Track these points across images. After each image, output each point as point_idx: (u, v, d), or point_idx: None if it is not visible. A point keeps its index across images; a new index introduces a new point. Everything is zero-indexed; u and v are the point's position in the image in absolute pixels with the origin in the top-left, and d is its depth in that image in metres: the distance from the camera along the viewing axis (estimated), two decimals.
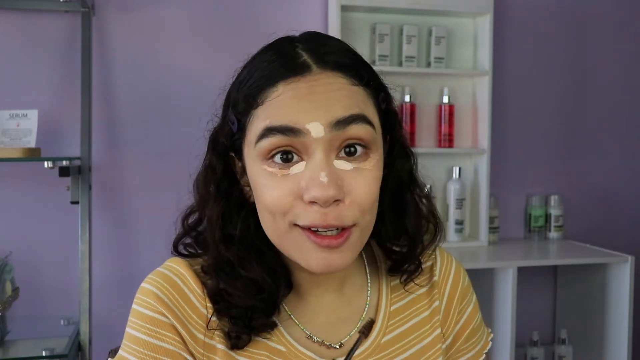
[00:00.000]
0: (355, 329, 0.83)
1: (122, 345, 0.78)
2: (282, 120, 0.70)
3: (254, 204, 0.77)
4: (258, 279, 0.77)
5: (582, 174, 2.79)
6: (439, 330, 0.88)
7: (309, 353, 0.80)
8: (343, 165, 0.71)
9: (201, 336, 0.77)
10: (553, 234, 2.68)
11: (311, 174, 0.70)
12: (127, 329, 0.78)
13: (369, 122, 0.72)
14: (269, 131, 0.70)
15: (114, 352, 0.82)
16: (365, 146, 0.72)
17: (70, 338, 2.05)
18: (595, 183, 2.80)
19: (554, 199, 2.69)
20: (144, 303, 0.77)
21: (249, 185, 0.78)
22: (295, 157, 0.71)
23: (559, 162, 2.77)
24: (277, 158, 0.71)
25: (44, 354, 1.91)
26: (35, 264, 2.24)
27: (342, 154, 0.72)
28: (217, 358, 0.77)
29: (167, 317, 0.76)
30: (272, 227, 0.74)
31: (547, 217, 2.69)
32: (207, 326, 0.77)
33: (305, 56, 0.73)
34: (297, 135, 0.69)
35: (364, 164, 0.72)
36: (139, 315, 0.77)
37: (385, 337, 0.84)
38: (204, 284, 0.79)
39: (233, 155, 0.79)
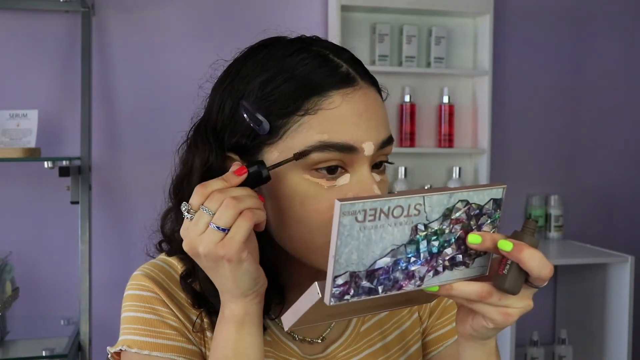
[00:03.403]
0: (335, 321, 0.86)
1: (121, 331, 0.78)
2: (342, 137, 0.70)
3: None
4: None
5: (582, 174, 2.79)
6: (416, 315, 0.91)
7: (292, 345, 0.83)
8: (376, 177, 0.75)
9: (193, 317, 0.79)
10: (553, 234, 2.68)
11: (363, 186, 0.71)
12: (124, 315, 0.79)
13: (393, 139, 0.76)
14: (326, 146, 0.69)
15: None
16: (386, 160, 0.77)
17: (70, 338, 2.05)
18: (595, 183, 2.80)
19: (553, 199, 2.69)
20: (137, 286, 0.79)
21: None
22: (340, 169, 0.71)
23: (559, 162, 2.77)
24: (323, 169, 0.71)
25: (43, 354, 1.91)
26: (35, 264, 2.24)
27: (373, 167, 0.75)
28: (208, 341, 0.79)
29: (160, 297, 0.78)
30: (306, 239, 0.72)
31: (547, 217, 2.69)
32: (193, 326, 0.78)
33: (345, 65, 0.73)
34: (352, 153, 0.70)
35: (384, 175, 0.77)
36: (134, 297, 0.78)
37: (364, 326, 0.87)
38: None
39: (233, 156, 0.74)
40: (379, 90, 0.77)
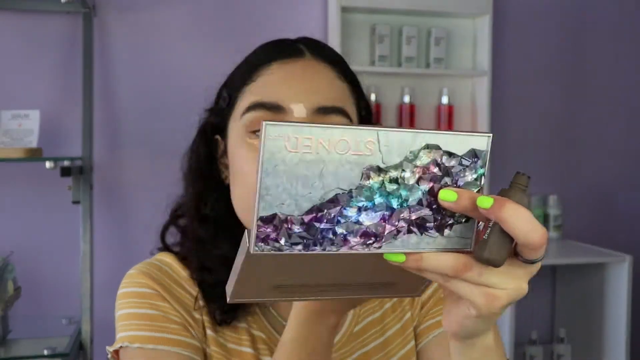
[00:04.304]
0: None
1: (120, 329, 0.78)
2: (270, 97, 0.74)
3: (229, 186, 0.80)
4: (230, 256, 0.78)
5: (581, 173, 2.80)
6: (409, 314, 0.90)
7: None
8: None
9: (194, 313, 0.80)
10: (552, 234, 2.68)
11: None
12: (121, 312, 0.79)
13: (348, 117, 0.76)
14: (255, 105, 0.74)
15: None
16: None
17: (71, 337, 2.05)
18: (593, 183, 2.81)
19: (552, 199, 2.69)
20: (134, 283, 0.80)
21: (226, 167, 0.81)
22: None
23: (558, 162, 2.78)
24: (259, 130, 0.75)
25: (45, 353, 1.91)
26: (36, 263, 2.25)
27: None
28: (208, 338, 0.80)
29: (158, 291, 0.79)
30: (244, 199, 0.76)
31: (546, 216, 2.70)
32: (194, 304, 0.80)
33: (301, 45, 0.80)
34: (280, 113, 0.73)
35: None
36: (131, 294, 0.79)
37: (357, 326, 0.87)
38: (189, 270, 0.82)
39: (218, 138, 0.83)
40: (343, 73, 0.79)
